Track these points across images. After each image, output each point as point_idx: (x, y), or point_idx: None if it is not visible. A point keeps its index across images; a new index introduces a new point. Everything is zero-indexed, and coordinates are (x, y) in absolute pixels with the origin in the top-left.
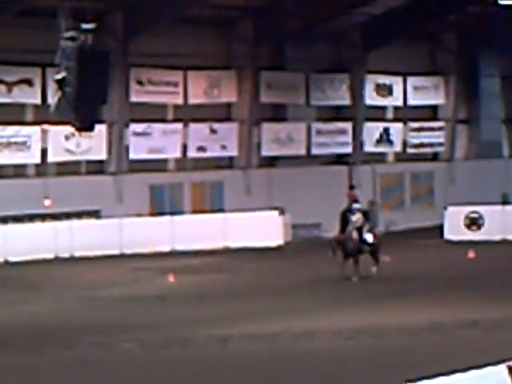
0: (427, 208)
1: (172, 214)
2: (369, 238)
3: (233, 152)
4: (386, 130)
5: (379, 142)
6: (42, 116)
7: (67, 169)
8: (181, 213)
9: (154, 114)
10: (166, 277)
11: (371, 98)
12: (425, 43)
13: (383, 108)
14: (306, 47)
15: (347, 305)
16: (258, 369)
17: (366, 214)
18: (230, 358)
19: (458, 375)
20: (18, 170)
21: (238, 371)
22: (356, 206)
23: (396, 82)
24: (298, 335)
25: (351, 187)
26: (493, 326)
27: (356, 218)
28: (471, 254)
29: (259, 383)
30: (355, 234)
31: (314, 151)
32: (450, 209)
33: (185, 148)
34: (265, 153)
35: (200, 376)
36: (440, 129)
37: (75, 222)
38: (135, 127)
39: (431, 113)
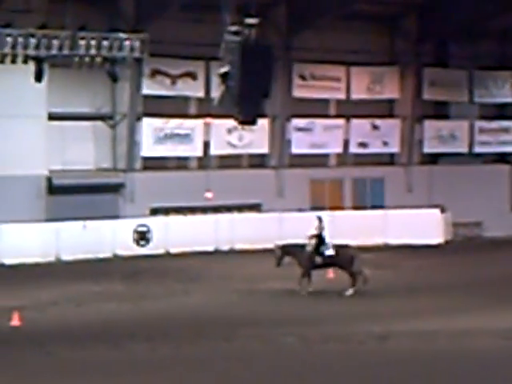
0: None
1: (332, 209)
2: (328, 250)
3: (394, 148)
4: None
5: None
6: (205, 109)
7: (229, 162)
8: (341, 208)
9: (315, 109)
10: (326, 272)
11: None
12: None
13: None
14: (470, 44)
15: (507, 304)
16: (417, 366)
17: None
18: (389, 355)
19: None
20: (181, 163)
21: (397, 368)
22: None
23: None
24: (458, 334)
25: None
26: None
27: (317, 225)
28: None
29: (418, 381)
30: (310, 246)
31: (477, 149)
32: None
33: (346, 143)
34: (426, 150)
35: (359, 372)
36: None
37: (236, 215)
38: (297, 122)
39: None
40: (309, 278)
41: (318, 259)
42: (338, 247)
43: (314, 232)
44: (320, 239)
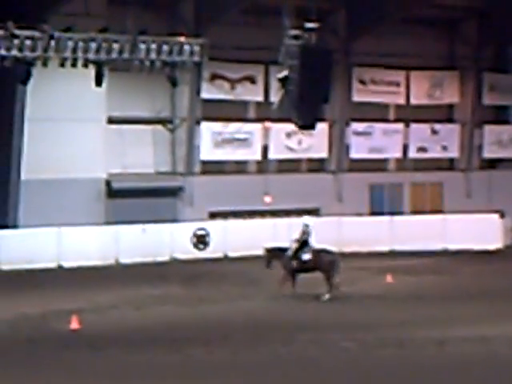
0: None
1: (391, 214)
2: (304, 255)
3: (453, 153)
4: None
5: None
6: (264, 113)
7: (288, 166)
8: (400, 213)
9: (375, 113)
10: (384, 277)
11: None
12: None
13: None
14: None
15: None
16: (475, 372)
17: None
18: (447, 361)
19: None
20: (240, 167)
21: (456, 374)
22: (306, 220)
23: None
24: None
25: None
26: None
27: (303, 229)
28: None
29: None
30: (291, 250)
31: None
32: None
33: (405, 148)
34: (486, 155)
35: (417, 377)
36: None
37: (294, 220)
38: (356, 126)
39: None
40: (292, 282)
41: (294, 263)
42: (317, 252)
43: (298, 236)
44: (302, 244)
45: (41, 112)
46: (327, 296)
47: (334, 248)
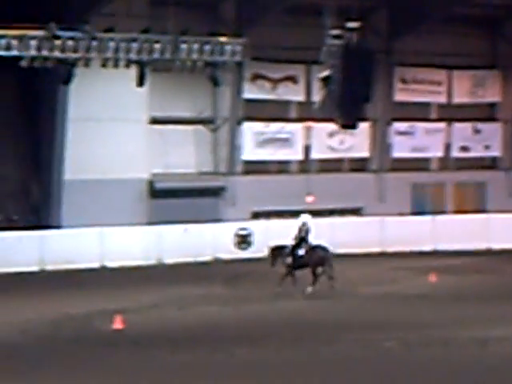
0: None
1: (434, 213)
2: (299, 251)
3: (496, 152)
4: None
5: None
6: (306, 113)
7: (330, 166)
8: (443, 212)
9: (417, 112)
10: (427, 276)
11: None
12: None
13: None
14: None
15: None
16: None
17: None
18: (491, 361)
19: None
20: (282, 166)
21: (498, 374)
22: (304, 218)
23: None
24: None
25: None
26: None
27: (300, 227)
28: None
29: None
30: (289, 246)
31: None
32: None
33: (448, 147)
34: None
35: (458, 377)
36: None
37: (337, 219)
38: (398, 126)
39: None
40: (282, 278)
41: (289, 260)
42: (311, 248)
43: (296, 234)
44: (300, 241)
45: (83, 112)
46: (310, 289)
47: (328, 245)
